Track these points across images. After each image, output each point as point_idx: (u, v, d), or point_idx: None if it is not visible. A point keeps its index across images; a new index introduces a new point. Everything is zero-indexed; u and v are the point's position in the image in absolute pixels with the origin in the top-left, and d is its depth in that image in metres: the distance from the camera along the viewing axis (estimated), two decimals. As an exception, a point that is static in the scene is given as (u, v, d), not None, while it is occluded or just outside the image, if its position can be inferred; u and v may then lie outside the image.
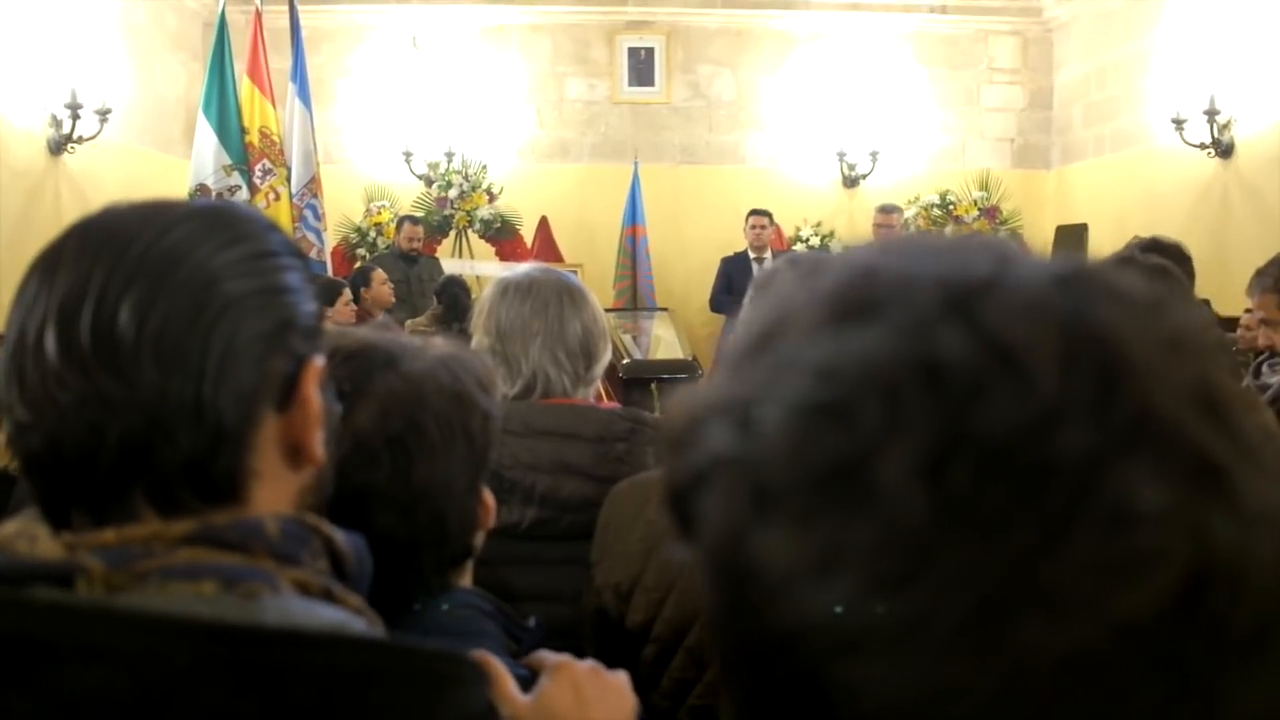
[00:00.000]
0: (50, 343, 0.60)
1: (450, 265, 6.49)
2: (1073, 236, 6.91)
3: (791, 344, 0.34)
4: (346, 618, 0.63)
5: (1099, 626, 0.29)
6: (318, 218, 5.86)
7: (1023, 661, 0.29)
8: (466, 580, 1.01)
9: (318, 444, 0.67)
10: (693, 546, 0.35)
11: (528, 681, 0.85)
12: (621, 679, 0.89)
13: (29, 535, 0.62)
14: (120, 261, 0.61)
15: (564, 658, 0.88)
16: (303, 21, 6.00)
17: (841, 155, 7.29)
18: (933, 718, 0.30)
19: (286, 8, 5.93)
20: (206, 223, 0.65)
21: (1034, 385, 0.30)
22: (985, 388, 0.30)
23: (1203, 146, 5.64)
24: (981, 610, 0.29)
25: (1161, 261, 1.96)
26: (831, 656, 0.30)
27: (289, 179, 5.69)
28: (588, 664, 0.88)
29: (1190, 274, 2.89)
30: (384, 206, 7.00)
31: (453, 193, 6.91)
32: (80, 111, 5.27)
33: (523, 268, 1.72)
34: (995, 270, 0.33)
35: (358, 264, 6.38)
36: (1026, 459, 0.29)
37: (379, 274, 5.48)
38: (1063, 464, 0.29)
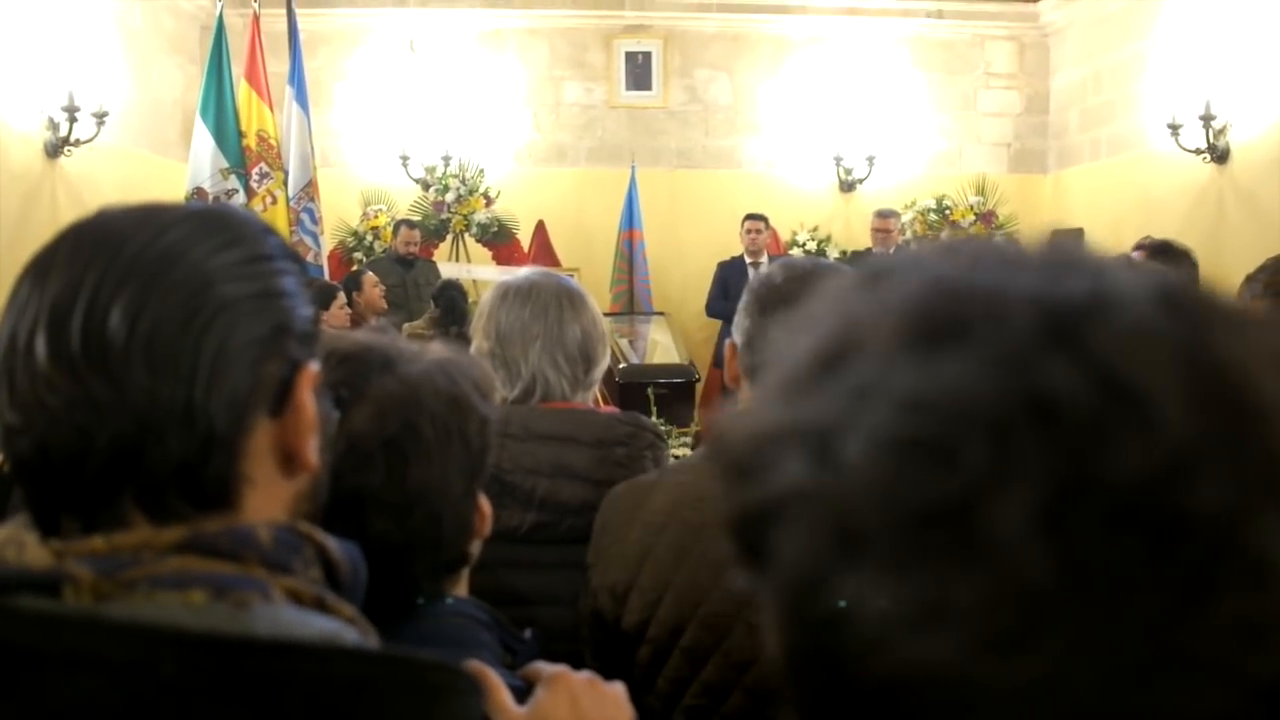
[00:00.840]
0: (40, 346, 0.60)
1: (447, 269, 6.49)
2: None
3: (868, 367, 0.31)
4: (339, 628, 0.62)
5: (1238, 691, 0.26)
6: (314, 221, 5.86)
7: None
8: (462, 590, 1.00)
9: (312, 451, 0.66)
10: (760, 579, 0.32)
11: (523, 693, 0.84)
12: (618, 689, 0.88)
13: (17, 542, 0.61)
14: (113, 263, 0.61)
15: (560, 668, 0.87)
16: (300, 25, 6.00)
17: (838, 160, 7.29)
18: None
19: (284, 11, 5.93)
20: (202, 225, 0.64)
21: (1161, 428, 0.27)
22: (1107, 430, 0.27)
23: (1198, 151, 5.65)
24: (1112, 676, 0.27)
25: (1160, 267, 1.96)
26: (939, 713, 0.28)
27: (286, 182, 5.69)
28: (584, 674, 0.87)
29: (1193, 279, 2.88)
30: (381, 210, 7.00)
31: (450, 196, 6.91)
32: (77, 114, 5.27)
33: (522, 272, 1.72)
34: (1093, 290, 0.30)
35: (354, 268, 6.37)
36: (1159, 512, 0.27)
37: (370, 278, 5.49)
38: (1200, 517, 0.27)
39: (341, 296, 4.96)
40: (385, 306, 5.49)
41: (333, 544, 0.66)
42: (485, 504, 0.99)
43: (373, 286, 5.42)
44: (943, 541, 0.28)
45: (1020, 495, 0.27)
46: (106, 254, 0.61)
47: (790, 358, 0.34)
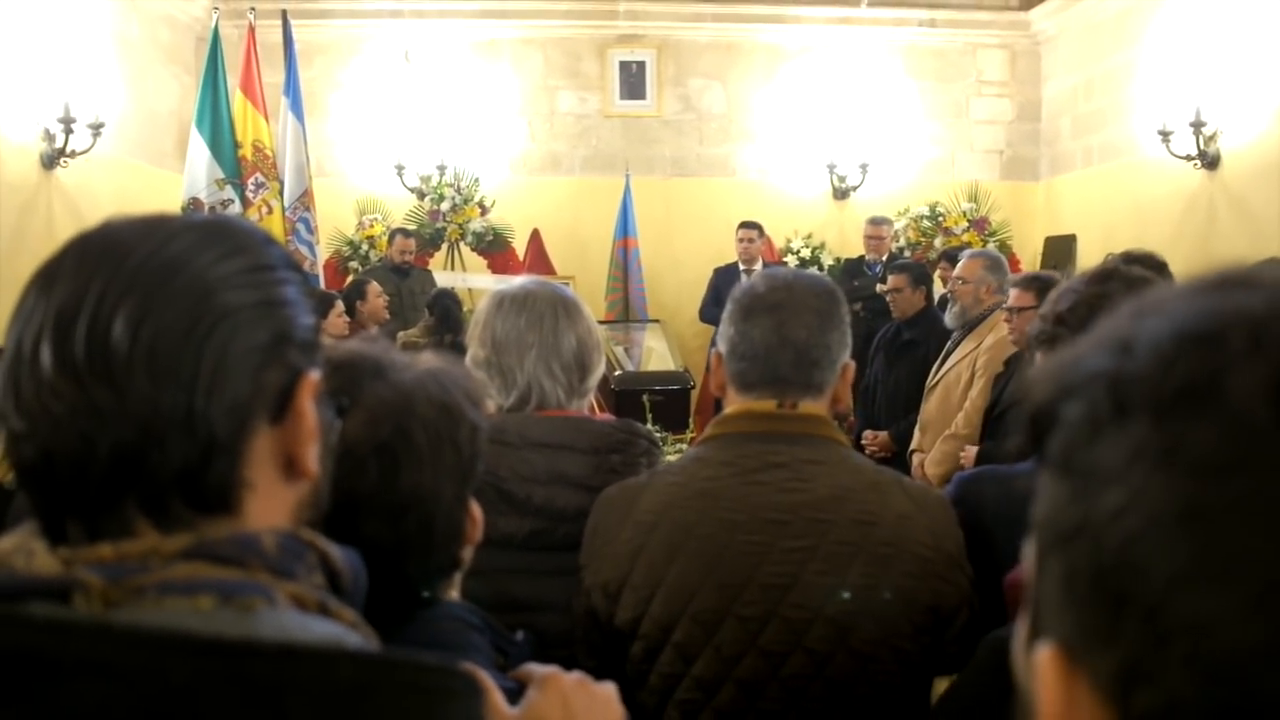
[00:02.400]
0: (46, 353, 0.61)
1: (442, 278, 6.50)
2: (1062, 247, 6.95)
3: (1171, 303, 0.39)
4: (342, 632, 0.63)
5: None
6: (310, 231, 5.87)
7: None
8: (454, 594, 1.01)
9: (312, 458, 0.67)
10: (1044, 454, 0.41)
11: (515, 694, 0.85)
12: (609, 690, 0.89)
13: (26, 550, 0.62)
14: (117, 273, 0.62)
15: (551, 669, 0.88)
16: (295, 35, 6.03)
17: (831, 167, 7.32)
18: (1223, 585, 0.34)
19: (279, 22, 5.97)
20: (205, 235, 0.66)
21: None
22: None
23: (1189, 158, 5.68)
24: None
25: (1145, 273, 1.98)
26: (1152, 526, 0.35)
27: (281, 192, 5.70)
28: (575, 675, 0.88)
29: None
30: (376, 219, 7.01)
31: (445, 205, 6.92)
32: (73, 125, 5.27)
33: (518, 280, 1.74)
34: None
35: (350, 277, 6.38)
36: None
37: (374, 287, 5.48)
38: None
39: (340, 305, 4.96)
40: (388, 316, 5.49)
41: (334, 550, 0.68)
42: (476, 510, 1.01)
43: (376, 296, 5.40)
44: (1192, 399, 0.36)
45: (1259, 367, 0.35)
46: (111, 264, 0.62)
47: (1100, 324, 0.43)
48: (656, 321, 6.99)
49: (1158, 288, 0.42)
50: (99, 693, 0.56)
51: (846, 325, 1.44)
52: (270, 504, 0.66)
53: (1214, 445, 0.35)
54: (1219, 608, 0.34)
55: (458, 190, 6.96)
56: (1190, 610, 0.34)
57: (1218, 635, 0.34)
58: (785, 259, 7.01)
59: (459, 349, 1.68)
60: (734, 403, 1.44)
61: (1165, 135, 5.70)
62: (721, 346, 1.45)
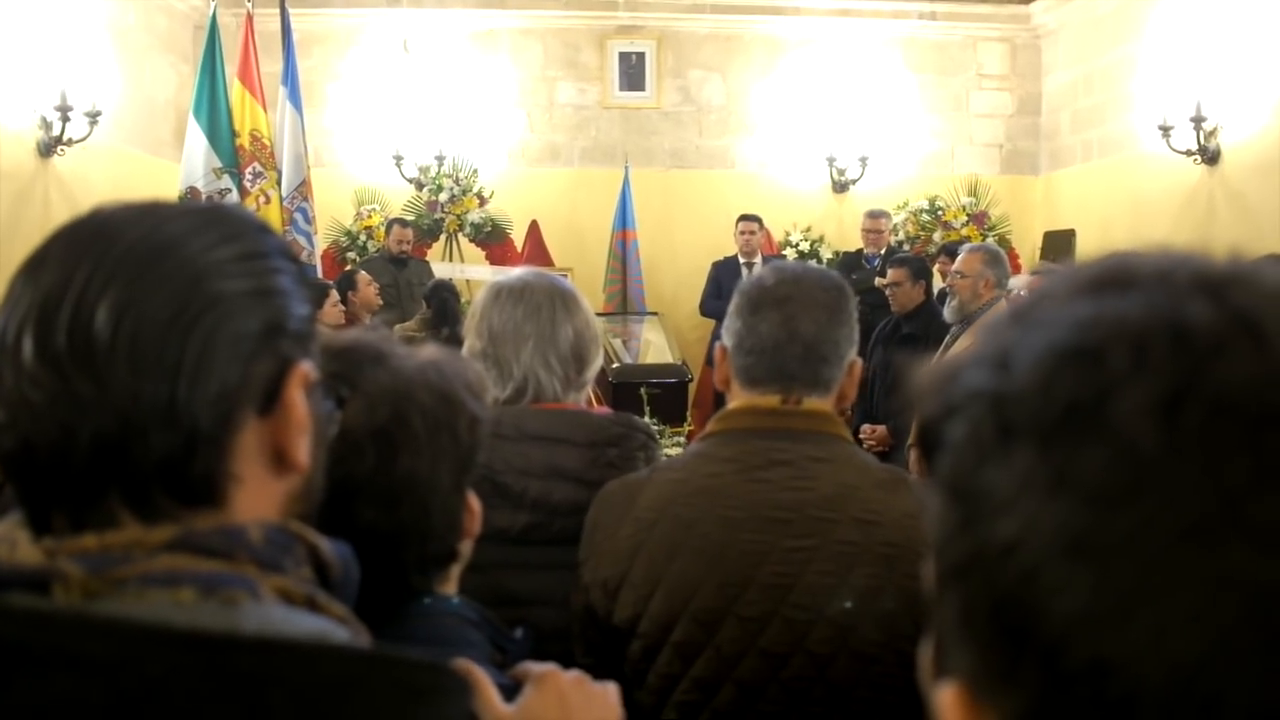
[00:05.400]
0: (28, 343, 0.60)
1: (441, 269, 6.48)
2: (1061, 242, 6.94)
3: (1049, 309, 0.38)
4: (329, 626, 0.62)
5: None
6: (308, 221, 5.85)
7: (1220, 584, 0.31)
8: (452, 588, 1.01)
9: (301, 450, 0.65)
10: (933, 473, 0.39)
11: (512, 691, 0.84)
12: (608, 689, 0.88)
13: (9, 541, 0.61)
14: (104, 259, 0.60)
15: (549, 667, 0.87)
16: (293, 25, 6.00)
17: (831, 160, 7.31)
18: (1122, 622, 0.32)
19: (277, 11, 5.94)
20: (198, 221, 0.64)
21: (1270, 350, 0.34)
22: (1226, 348, 0.34)
23: (1189, 153, 5.67)
24: (1192, 531, 0.32)
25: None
26: (1047, 561, 0.33)
27: (279, 182, 5.68)
28: (573, 674, 0.87)
29: None
30: (374, 210, 6.99)
31: (443, 196, 6.91)
32: (70, 114, 5.25)
33: (516, 271, 1.72)
34: (1248, 268, 0.38)
35: (347, 267, 6.37)
36: (1256, 408, 0.33)
37: (364, 276, 5.48)
38: None
39: (334, 295, 4.96)
40: (380, 304, 5.48)
41: (325, 544, 0.66)
42: (475, 502, 1.00)
43: (367, 285, 5.41)
44: (1077, 423, 0.34)
45: (1146, 386, 0.34)
46: (98, 250, 0.61)
47: (988, 323, 0.41)
48: (654, 314, 6.98)
49: (1047, 284, 0.40)
50: (75, 684, 0.55)
51: (855, 321, 1.42)
52: (258, 497, 0.64)
53: (1102, 473, 0.33)
54: (1120, 649, 0.32)
55: (456, 181, 6.94)
56: (1091, 651, 0.32)
57: (1120, 678, 0.32)
58: (784, 252, 7.00)
59: (456, 342, 1.67)
60: (738, 398, 1.42)
61: (1165, 130, 5.70)
62: (726, 340, 1.43)
